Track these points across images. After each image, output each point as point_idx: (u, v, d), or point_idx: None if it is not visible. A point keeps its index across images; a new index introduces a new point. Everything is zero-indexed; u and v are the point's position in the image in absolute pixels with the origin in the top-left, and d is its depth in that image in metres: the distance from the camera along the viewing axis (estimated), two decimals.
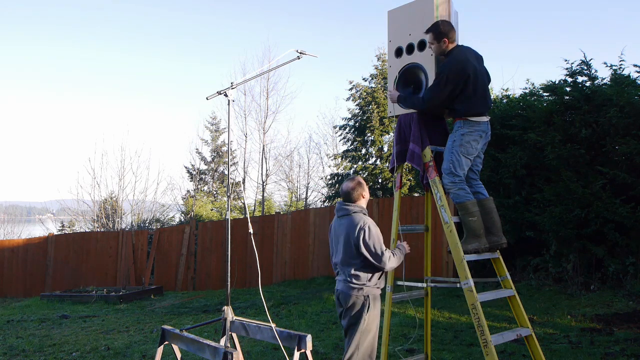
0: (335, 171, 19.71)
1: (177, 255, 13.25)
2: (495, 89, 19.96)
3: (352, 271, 3.49)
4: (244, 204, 22.00)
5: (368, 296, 3.49)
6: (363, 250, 3.43)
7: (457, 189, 3.61)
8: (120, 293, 10.82)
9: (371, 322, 3.50)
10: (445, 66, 3.58)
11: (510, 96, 9.76)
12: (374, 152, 18.76)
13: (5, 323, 8.38)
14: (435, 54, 3.72)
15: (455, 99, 3.62)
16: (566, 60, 7.96)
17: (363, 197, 3.62)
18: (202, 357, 3.83)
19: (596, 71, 8.03)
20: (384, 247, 3.47)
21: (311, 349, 3.43)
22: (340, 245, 3.58)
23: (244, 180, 21.34)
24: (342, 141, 19.68)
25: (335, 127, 21.15)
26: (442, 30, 3.61)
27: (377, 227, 3.53)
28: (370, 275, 3.50)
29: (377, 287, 3.55)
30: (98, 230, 18.82)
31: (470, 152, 3.65)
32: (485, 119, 3.72)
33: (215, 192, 25.42)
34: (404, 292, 4.24)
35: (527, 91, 9.01)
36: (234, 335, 3.93)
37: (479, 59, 3.78)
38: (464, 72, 3.55)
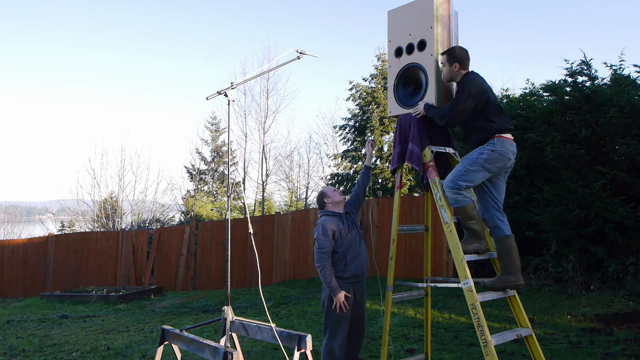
0: (335, 171, 19.70)
1: (177, 255, 13.25)
2: (495, 89, 19.92)
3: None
4: (244, 204, 22.01)
5: None
6: None
7: (454, 193, 3.55)
8: (120, 293, 10.82)
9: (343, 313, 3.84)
10: (466, 84, 3.59)
11: (510, 96, 9.75)
12: (374, 152, 18.76)
13: (5, 323, 8.38)
14: (445, 78, 3.73)
15: (482, 114, 3.58)
16: (566, 60, 7.96)
17: (326, 202, 4.11)
18: (202, 357, 3.83)
19: (596, 71, 8.03)
20: (321, 247, 3.84)
21: (311, 349, 3.44)
22: None
23: (244, 180, 21.37)
24: (342, 141, 19.69)
25: (335, 127, 21.15)
26: (456, 54, 3.64)
27: (327, 227, 3.88)
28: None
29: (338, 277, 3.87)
30: (98, 230, 18.82)
31: (491, 169, 3.54)
32: (513, 140, 3.62)
33: (215, 192, 25.42)
34: (404, 292, 4.25)
35: (527, 91, 9.01)
36: (234, 335, 3.93)
37: None
38: (484, 90, 3.57)
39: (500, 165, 3.55)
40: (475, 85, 3.55)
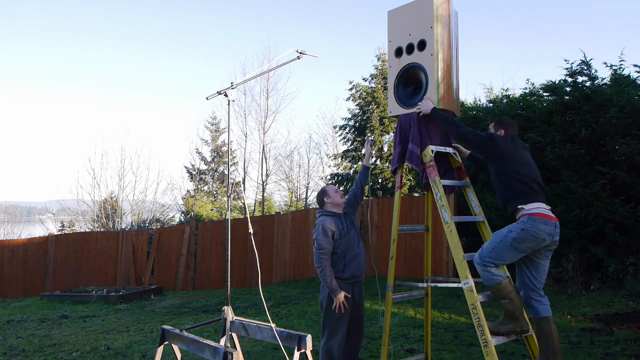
0: (335, 171, 19.70)
1: (177, 255, 13.25)
2: (495, 88, 19.97)
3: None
4: (244, 204, 22.00)
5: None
6: None
7: (482, 270, 3.41)
8: (120, 293, 10.82)
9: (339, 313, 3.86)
10: (504, 136, 3.69)
11: (510, 96, 9.74)
12: (374, 152, 18.75)
13: (5, 323, 8.38)
14: None
15: (504, 158, 3.51)
16: (566, 60, 7.95)
17: (326, 201, 4.10)
18: (202, 357, 3.83)
19: (596, 71, 8.02)
20: (321, 248, 3.85)
21: (311, 349, 3.44)
22: None
23: (244, 180, 21.36)
24: (342, 141, 19.69)
25: (335, 127, 21.15)
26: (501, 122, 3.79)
27: (327, 227, 3.90)
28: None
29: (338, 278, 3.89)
30: (98, 230, 18.81)
31: (521, 249, 3.32)
32: (553, 217, 3.37)
33: (215, 192, 25.41)
34: (404, 292, 4.25)
35: (527, 91, 9.00)
36: (234, 335, 3.93)
37: None
38: (513, 149, 3.55)
39: (532, 245, 3.31)
40: (507, 139, 3.60)
